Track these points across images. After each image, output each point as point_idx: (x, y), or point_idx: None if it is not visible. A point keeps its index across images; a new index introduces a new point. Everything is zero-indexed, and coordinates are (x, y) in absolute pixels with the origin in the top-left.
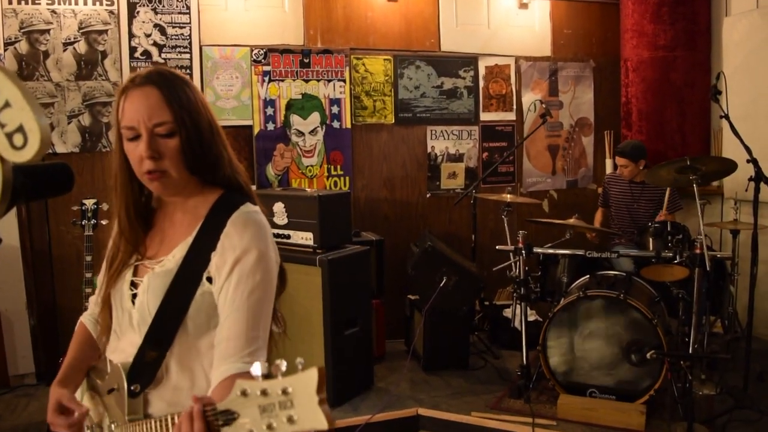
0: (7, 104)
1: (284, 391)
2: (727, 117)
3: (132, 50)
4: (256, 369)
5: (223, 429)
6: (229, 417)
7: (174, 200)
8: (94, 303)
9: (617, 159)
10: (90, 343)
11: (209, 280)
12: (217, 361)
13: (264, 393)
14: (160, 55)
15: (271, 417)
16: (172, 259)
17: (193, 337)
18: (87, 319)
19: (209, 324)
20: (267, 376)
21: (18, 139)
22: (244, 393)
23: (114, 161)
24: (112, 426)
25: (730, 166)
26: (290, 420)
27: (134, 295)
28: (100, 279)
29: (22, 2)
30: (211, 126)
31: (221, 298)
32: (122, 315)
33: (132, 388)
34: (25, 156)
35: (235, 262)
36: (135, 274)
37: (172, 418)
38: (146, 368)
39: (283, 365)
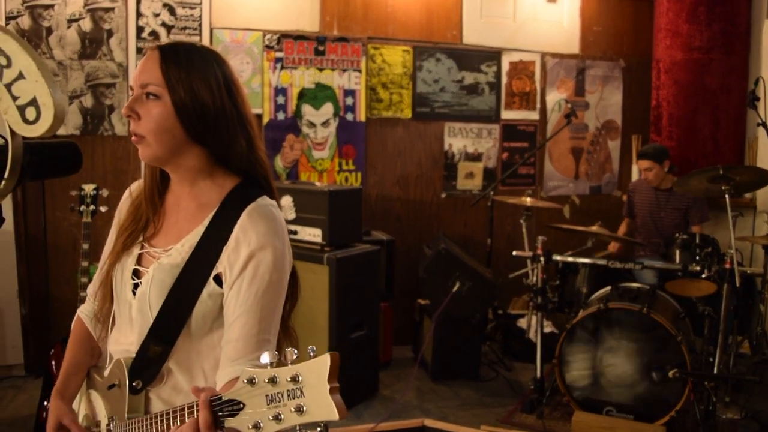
0: (20, 76)
1: (294, 379)
2: (764, 125)
3: (139, 30)
4: (265, 358)
5: (228, 420)
6: (235, 408)
7: (181, 184)
8: (92, 287)
9: (640, 162)
10: (89, 343)
11: (217, 279)
12: (223, 361)
13: (272, 381)
14: (168, 37)
15: (279, 407)
16: (180, 248)
17: (195, 338)
18: (84, 314)
19: (213, 325)
20: (277, 363)
21: (30, 113)
22: (251, 381)
23: None
24: (111, 425)
25: (766, 177)
26: (299, 410)
27: (136, 285)
28: (104, 258)
29: None
30: (223, 106)
31: (232, 296)
32: (123, 306)
33: (134, 384)
34: (37, 131)
35: (249, 257)
36: (139, 262)
37: (173, 413)
38: (149, 364)
39: (294, 353)
